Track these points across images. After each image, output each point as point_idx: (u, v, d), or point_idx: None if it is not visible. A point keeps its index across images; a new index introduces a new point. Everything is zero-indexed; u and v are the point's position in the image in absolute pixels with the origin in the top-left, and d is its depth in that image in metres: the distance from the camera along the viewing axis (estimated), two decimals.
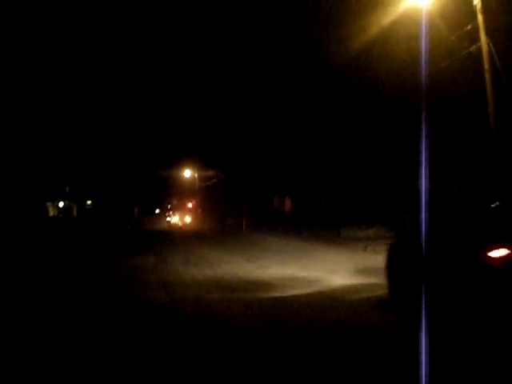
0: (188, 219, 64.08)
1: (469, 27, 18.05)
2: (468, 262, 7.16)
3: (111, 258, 21.68)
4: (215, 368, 6.47)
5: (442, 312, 7.73)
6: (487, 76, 17.64)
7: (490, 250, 6.74)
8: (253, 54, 39.80)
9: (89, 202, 73.20)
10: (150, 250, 26.17)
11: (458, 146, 23.77)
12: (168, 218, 69.16)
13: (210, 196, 70.31)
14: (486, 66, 17.61)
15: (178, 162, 70.36)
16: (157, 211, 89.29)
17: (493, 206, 8.31)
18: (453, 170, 25.21)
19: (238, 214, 54.09)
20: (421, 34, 18.21)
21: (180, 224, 62.29)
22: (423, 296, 7.61)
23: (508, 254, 6.49)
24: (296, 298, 10.98)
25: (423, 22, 17.61)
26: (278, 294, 11.65)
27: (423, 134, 16.92)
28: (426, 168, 18.54)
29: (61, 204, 65.57)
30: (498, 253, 6.64)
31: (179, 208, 73.11)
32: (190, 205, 70.31)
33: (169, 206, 79.36)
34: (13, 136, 43.28)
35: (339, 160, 34.06)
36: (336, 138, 33.11)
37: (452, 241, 8.02)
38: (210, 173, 65.65)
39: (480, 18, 17.40)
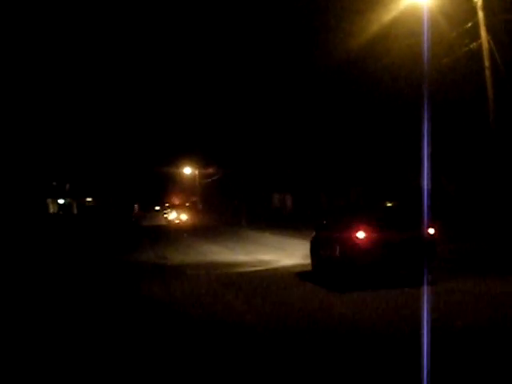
0: (184, 216, 65.19)
1: (469, 24, 18.12)
2: (348, 238, 12.77)
3: (109, 254, 23.18)
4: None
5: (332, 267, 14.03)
6: (487, 73, 17.74)
7: (357, 232, 12.47)
8: (253, 50, 39.80)
9: (89, 199, 73.26)
10: (149, 244, 28.10)
11: (458, 141, 23.84)
12: (166, 215, 69.87)
13: (210, 193, 70.41)
14: (487, 62, 17.71)
15: (179, 158, 70.43)
16: (157, 208, 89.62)
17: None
18: (451, 165, 25.28)
19: (238, 211, 54.17)
20: (422, 30, 18.29)
21: (177, 221, 63.70)
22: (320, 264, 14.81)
23: (364, 236, 12.38)
24: (254, 271, 16.14)
25: (424, 19, 17.71)
26: (245, 270, 16.59)
27: (425, 130, 17.02)
28: (428, 165, 18.63)
29: (61, 201, 65.68)
30: (360, 234, 12.44)
31: (178, 205, 73.99)
32: (186, 203, 73.04)
33: (167, 204, 80.00)
34: (13, 134, 43.32)
35: (340, 157, 34.10)
36: (336, 135, 33.15)
37: (341, 227, 13.70)
38: (211, 170, 65.69)
39: (480, 14, 17.48)
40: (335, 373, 6.28)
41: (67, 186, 64.62)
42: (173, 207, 72.54)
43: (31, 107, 45.39)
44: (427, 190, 17.70)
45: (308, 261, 15.56)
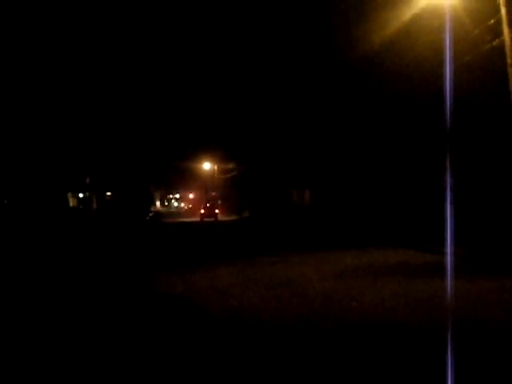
0: (190, 206, 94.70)
1: (492, 21, 17.82)
2: (200, 211, 60.66)
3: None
4: None
5: None
6: (510, 70, 17.39)
7: (202, 209, 60.16)
8: (272, 46, 39.66)
9: (109, 193, 73.72)
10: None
11: (479, 139, 23.46)
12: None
13: (228, 188, 70.65)
14: (509, 60, 17.35)
15: (199, 154, 70.85)
16: (175, 205, 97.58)
17: None
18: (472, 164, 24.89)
19: (255, 207, 54.41)
20: (444, 27, 18.03)
21: (186, 208, 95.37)
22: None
23: (203, 212, 59.02)
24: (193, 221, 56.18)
25: (447, 15, 17.45)
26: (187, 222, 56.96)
27: (448, 128, 16.78)
28: (450, 163, 18.41)
29: (80, 195, 66.09)
30: (202, 211, 59.48)
31: (188, 199, 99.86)
32: (191, 195, 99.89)
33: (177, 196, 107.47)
34: (34, 128, 43.66)
35: (362, 156, 33.73)
36: (358, 134, 32.80)
37: (201, 208, 62.90)
38: (230, 165, 65.90)
39: (503, 11, 17.12)
40: None
41: (87, 179, 64.94)
42: (183, 200, 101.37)
43: (52, 103, 45.70)
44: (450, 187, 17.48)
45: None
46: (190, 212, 79.55)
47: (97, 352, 7.26)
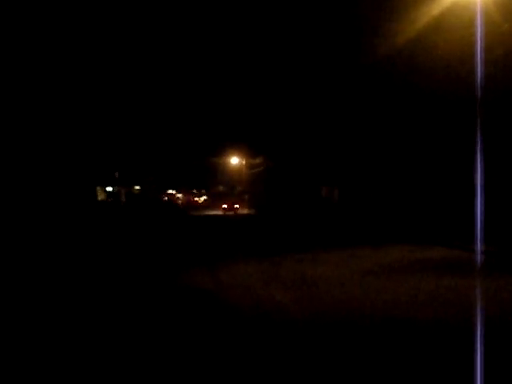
0: (204, 198, 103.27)
1: None
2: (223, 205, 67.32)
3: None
4: None
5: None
6: None
7: (223, 205, 65.66)
8: (302, 43, 39.48)
9: (137, 187, 74.55)
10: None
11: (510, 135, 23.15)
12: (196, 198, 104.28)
13: (256, 184, 70.72)
14: None
15: (227, 148, 70.93)
16: (203, 198, 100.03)
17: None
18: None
19: (284, 202, 54.49)
20: (474, 22, 17.84)
21: (200, 201, 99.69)
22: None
23: (226, 207, 64.93)
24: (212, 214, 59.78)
25: (478, 10, 17.26)
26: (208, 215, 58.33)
27: (478, 126, 16.62)
28: (481, 161, 18.22)
29: (109, 189, 66.90)
30: (224, 206, 65.09)
31: (204, 193, 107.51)
32: (203, 191, 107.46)
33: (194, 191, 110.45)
34: (65, 124, 44.19)
35: (391, 153, 33.41)
36: (387, 131, 32.49)
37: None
38: (258, 160, 65.85)
39: None
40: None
41: (116, 174, 65.67)
42: (202, 194, 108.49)
43: (82, 98, 46.17)
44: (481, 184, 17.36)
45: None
46: (210, 206, 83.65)
47: (129, 344, 7.40)
